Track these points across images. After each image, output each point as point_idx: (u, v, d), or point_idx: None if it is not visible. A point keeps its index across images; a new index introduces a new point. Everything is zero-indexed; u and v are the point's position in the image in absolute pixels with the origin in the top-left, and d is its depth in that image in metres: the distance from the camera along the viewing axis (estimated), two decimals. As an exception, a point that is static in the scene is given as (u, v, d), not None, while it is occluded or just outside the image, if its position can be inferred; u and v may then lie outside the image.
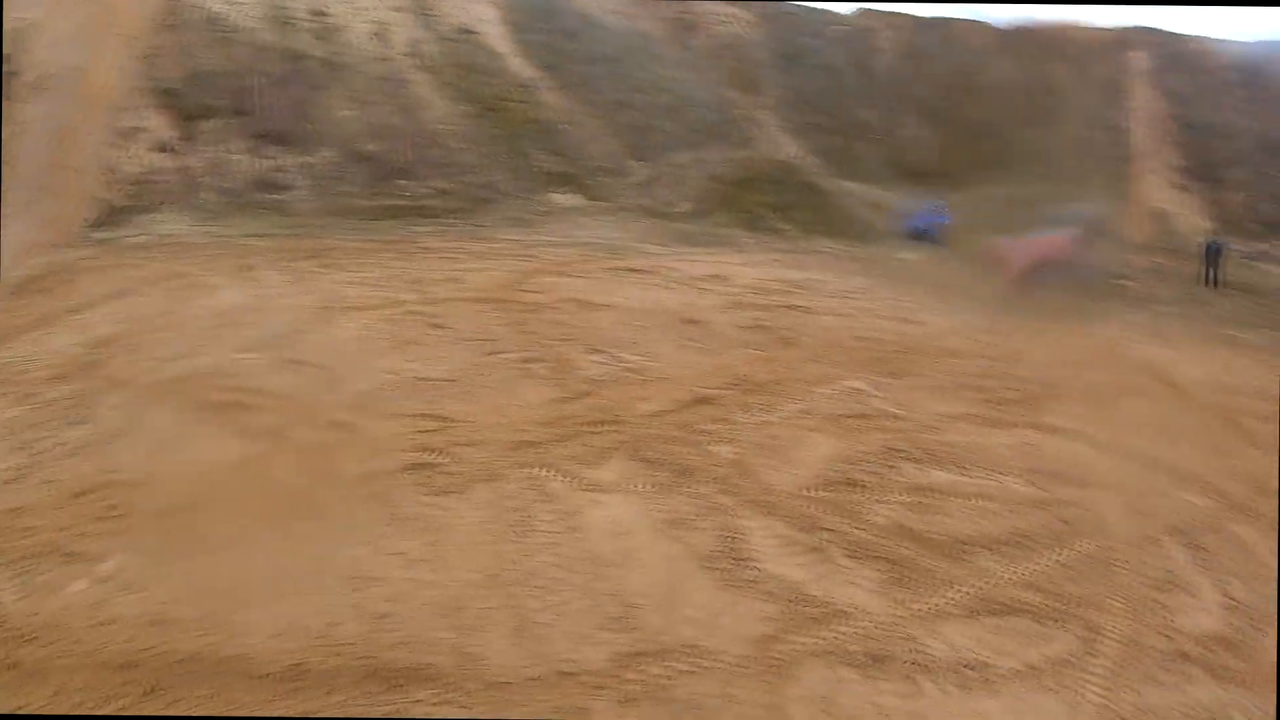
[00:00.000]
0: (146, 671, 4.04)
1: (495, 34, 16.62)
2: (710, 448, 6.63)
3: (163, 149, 13.78)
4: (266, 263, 9.90)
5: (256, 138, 13.76)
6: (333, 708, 3.99)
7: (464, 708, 4.05)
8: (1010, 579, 5.36)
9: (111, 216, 12.77)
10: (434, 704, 4.07)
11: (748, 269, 11.57)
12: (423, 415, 6.87)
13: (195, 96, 14.02)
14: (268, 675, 4.04)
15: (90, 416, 6.61)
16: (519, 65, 16.24)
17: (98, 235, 12.30)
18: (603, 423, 6.92)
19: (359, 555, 5.07)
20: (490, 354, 8.15)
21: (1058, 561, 5.60)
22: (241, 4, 15.51)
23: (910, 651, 4.62)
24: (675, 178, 15.11)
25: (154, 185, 13.25)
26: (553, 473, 6.12)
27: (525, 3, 17.81)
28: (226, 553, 4.88)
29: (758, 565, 5.25)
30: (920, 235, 14.79)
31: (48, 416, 6.64)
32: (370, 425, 6.63)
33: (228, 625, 4.28)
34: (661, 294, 10.41)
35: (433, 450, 6.27)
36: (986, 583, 5.28)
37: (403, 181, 13.37)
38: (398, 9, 16.27)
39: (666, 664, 4.38)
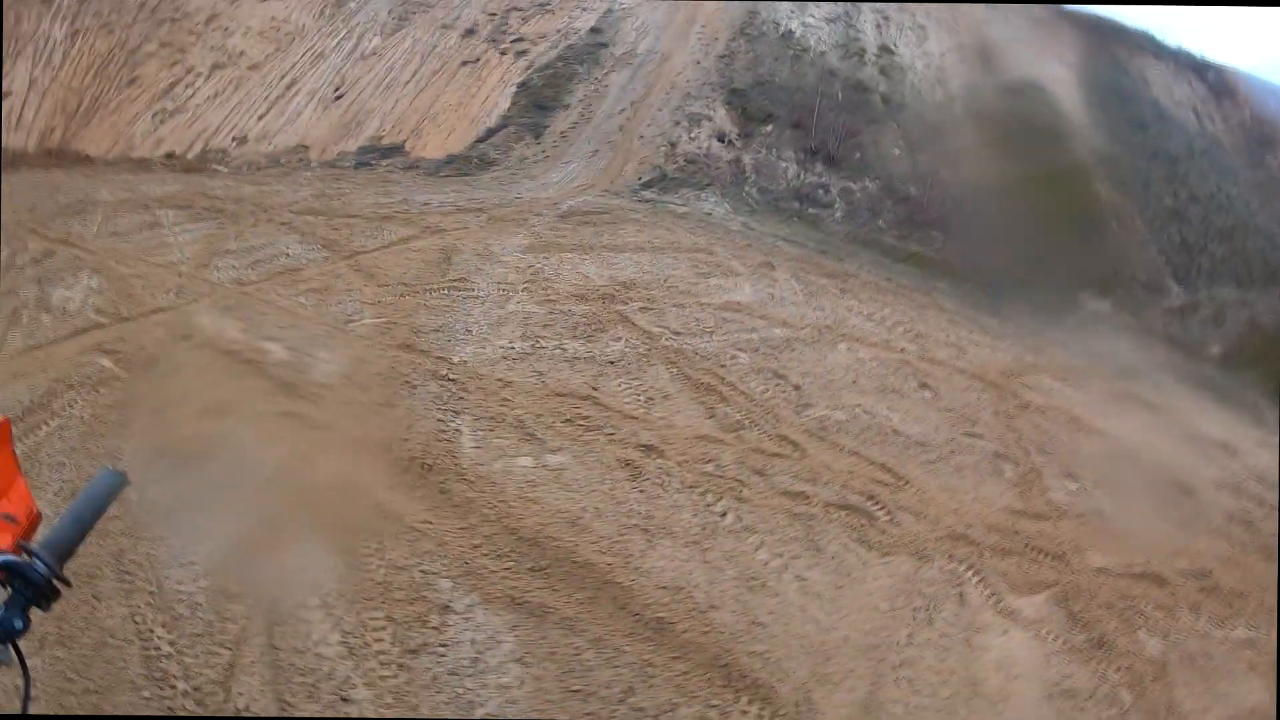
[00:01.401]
0: (545, 553, 4.52)
1: (1065, 96, 15.64)
2: (1139, 634, 5.79)
3: (721, 139, 15.12)
4: (787, 269, 10.25)
5: (807, 152, 14.46)
6: (674, 672, 4.19)
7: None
8: None
9: (662, 182, 14.34)
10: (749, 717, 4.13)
11: (1263, 449, 9.72)
12: (880, 465, 6.76)
13: (759, 101, 15.08)
14: (638, 616, 4.30)
15: (594, 338, 7.36)
16: (1081, 137, 15.06)
17: (646, 194, 13.88)
18: (1048, 553, 6.34)
19: (767, 561, 5.21)
20: (967, 434, 7.76)
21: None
22: (817, 29, 16.43)
23: None
24: (1214, 313, 13.10)
25: (706, 167, 14.55)
26: (977, 579, 5.77)
27: (1101, 77, 16.33)
28: (654, 494, 5.30)
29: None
30: None
31: (560, 323, 7.58)
32: (822, 453, 6.71)
33: (630, 558, 4.60)
34: (1161, 440, 9.15)
35: (875, 502, 6.19)
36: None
37: (935, 233, 13.23)
38: (962, 56, 16.03)
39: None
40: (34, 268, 9.21)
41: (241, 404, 5.72)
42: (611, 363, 6.91)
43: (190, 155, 16.24)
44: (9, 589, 1.28)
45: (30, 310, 8.04)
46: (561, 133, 15.70)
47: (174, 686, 3.72)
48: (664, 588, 4.43)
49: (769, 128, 14.82)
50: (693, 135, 14.99)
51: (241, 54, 18.51)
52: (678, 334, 7.66)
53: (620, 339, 7.36)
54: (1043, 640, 5.41)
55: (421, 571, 4.29)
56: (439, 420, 5.77)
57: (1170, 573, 6.60)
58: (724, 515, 5.44)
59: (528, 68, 16.76)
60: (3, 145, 16.82)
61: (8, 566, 1.27)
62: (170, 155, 16.21)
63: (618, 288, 8.60)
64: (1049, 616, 5.63)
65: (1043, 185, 13.92)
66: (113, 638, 3.92)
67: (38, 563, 1.28)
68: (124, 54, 18.93)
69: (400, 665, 3.77)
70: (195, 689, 3.70)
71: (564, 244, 10.10)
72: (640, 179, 14.21)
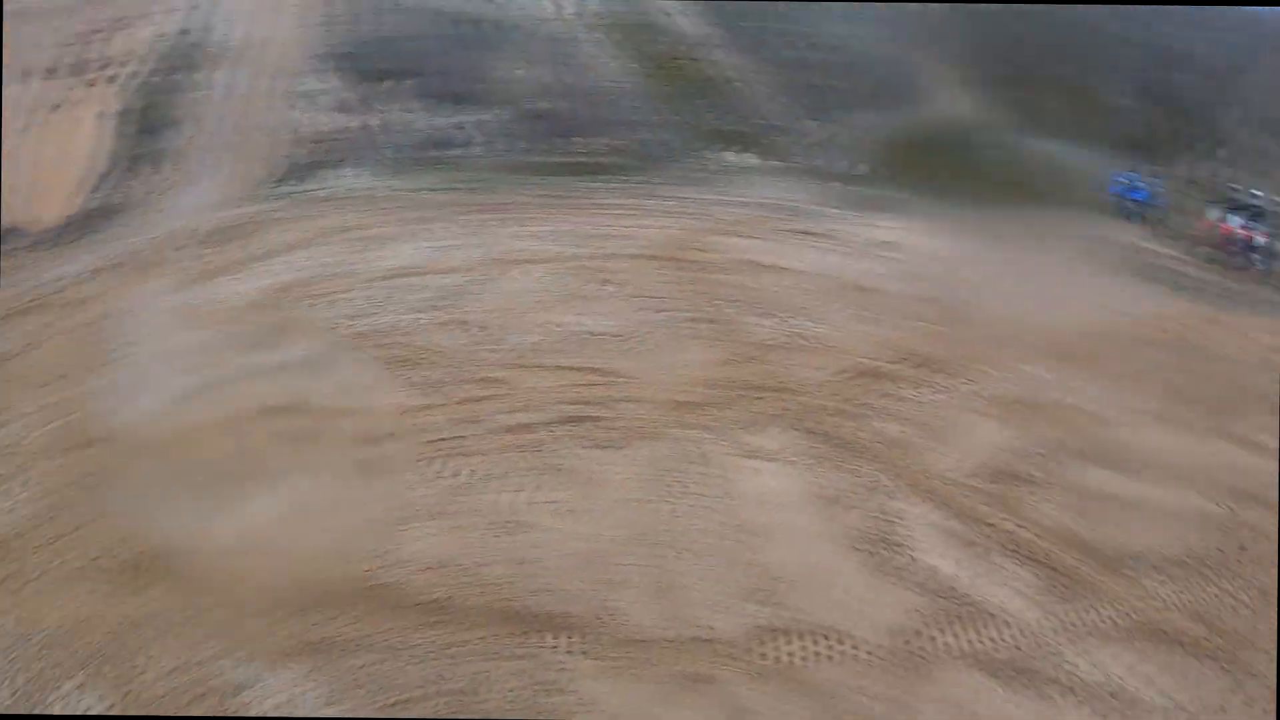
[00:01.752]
0: (305, 595, 4.39)
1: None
2: (875, 423, 6.38)
3: (342, 109, 14.58)
4: (442, 217, 10.22)
5: (432, 97, 14.24)
6: (473, 643, 4.19)
7: (596, 659, 4.12)
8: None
9: (297, 172, 13.65)
10: (567, 652, 4.21)
11: (926, 238, 10.95)
12: (587, 370, 6.95)
13: (371, 60, 14.69)
14: (419, 605, 4.29)
15: (276, 348, 7.07)
16: (689, 23, 15.97)
17: (284, 189, 13.16)
18: (767, 389, 6.81)
19: (514, 501, 5.25)
20: (658, 311, 8.08)
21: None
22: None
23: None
24: (852, 139, 14.46)
25: (335, 143, 13.99)
26: (712, 436, 6.09)
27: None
28: (388, 482, 5.12)
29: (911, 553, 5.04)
30: (1127, 209, 13.28)
31: (236, 343, 7.20)
32: (528, 379, 6.76)
33: (387, 555, 4.47)
34: (834, 259, 10.02)
35: (594, 404, 6.34)
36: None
37: (576, 139, 13.48)
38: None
39: (803, 644, 4.31)
40: None
41: None
42: (301, 366, 6.72)
43: None
44: None
45: None
46: (178, 152, 14.44)
47: None
48: (429, 569, 4.40)
49: (388, 83, 14.45)
50: (313, 114, 14.33)
51: None
52: (353, 318, 7.59)
53: (301, 342, 7.13)
54: (792, 464, 5.83)
55: (197, 664, 4.13)
56: (138, 503, 5.34)
57: (882, 364, 7.31)
58: (457, 475, 5.51)
59: (122, 92, 15.15)
60: None
61: None
62: None
63: (281, 292, 8.39)
64: (789, 443, 6.07)
65: (662, 71, 14.63)
66: None
67: None
68: None
69: None
70: None
71: (214, 268, 9.58)
72: (273, 176, 13.47)
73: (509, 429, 6.05)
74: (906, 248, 10.61)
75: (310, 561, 4.55)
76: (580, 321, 7.77)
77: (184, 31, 15.98)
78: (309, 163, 13.58)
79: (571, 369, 6.90)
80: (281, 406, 6.02)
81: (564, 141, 13.46)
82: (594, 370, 6.91)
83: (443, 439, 5.90)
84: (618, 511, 5.18)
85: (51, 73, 16.00)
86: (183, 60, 15.94)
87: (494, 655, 4.20)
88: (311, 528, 4.81)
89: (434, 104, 14.01)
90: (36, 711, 4.04)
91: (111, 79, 15.41)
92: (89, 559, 5.08)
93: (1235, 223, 10.89)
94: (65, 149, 14.35)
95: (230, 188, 13.19)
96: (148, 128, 14.72)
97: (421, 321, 7.44)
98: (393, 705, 3.99)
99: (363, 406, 5.99)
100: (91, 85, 15.40)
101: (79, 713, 4.03)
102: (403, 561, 4.49)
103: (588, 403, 6.40)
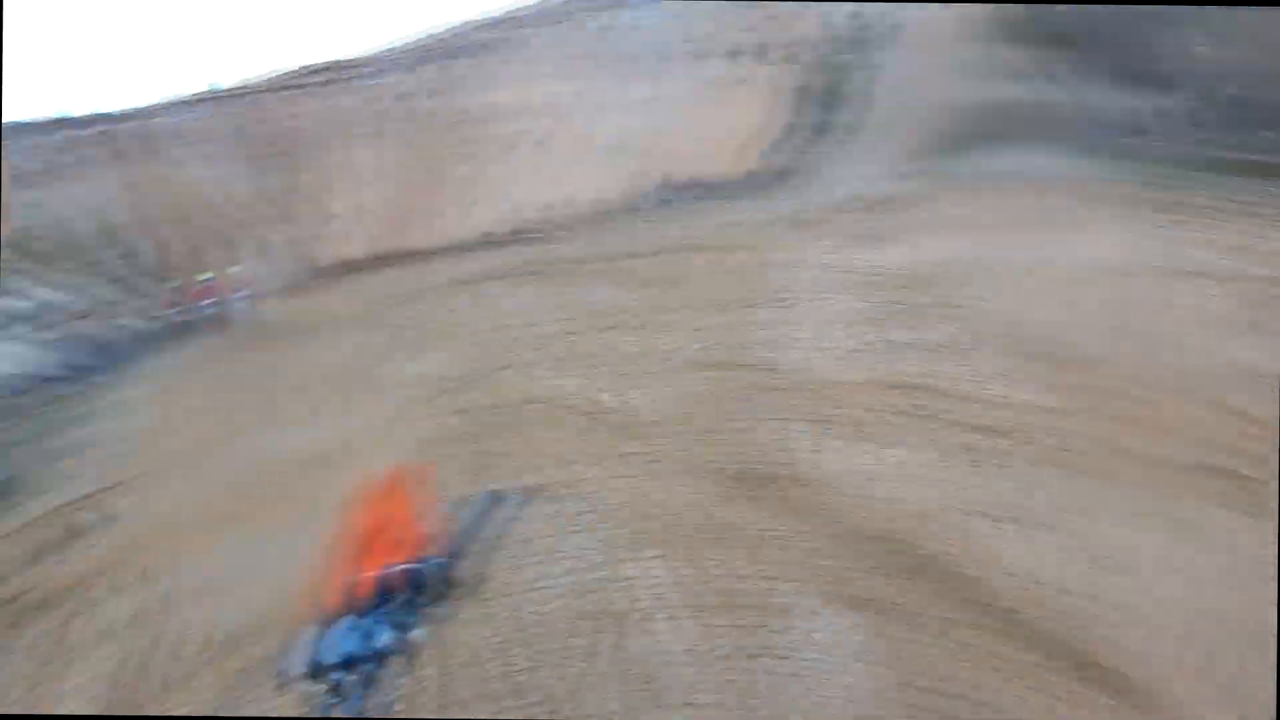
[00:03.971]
0: (887, 549, 4.37)
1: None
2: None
3: (1005, 84, 13.88)
4: (1111, 211, 9.17)
5: (1104, 75, 12.87)
6: (1018, 663, 3.87)
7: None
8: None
9: (959, 149, 13.43)
10: (1101, 710, 3.75)
11: None
12: (1245, 415, 5.67)
13: (1041, 30, 13.91)
14: (986, 606, 3.98)
15: (919, 327, 7.06)
16: None
17: (945, 166, 13.07)
18: None
19: (1125, 538, 4.59)
20: None
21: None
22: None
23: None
24: None
25: (1001, 120, 13.48)
26: None
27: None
28: (997, 477, 4.85)
29: None
30: None
31: (883, 316, 7.36)
32: (1179, 410, 5.77)
33: (975, 547, 4.26)
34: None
35: (1246, 458, 5.22)
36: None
37: (1268, 133, 11.04)
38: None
39: None
40: (385, 349, 10.50)
41: (584, 451, 6.08)
42: (940, 348, 6.59)
43: (504, 231, 17.85)
44: (413, 593, 1.77)
45: (392, 386, 9.06)
46: (847, 125, 15.32)
47: (526, 698, 3.90)
48: (1011, 575, 4.12)
49: (1054, 58, 13.60)
50: (975, 90, 14.03)
51: (527, 133, 20.17)
52: (997, 307, 7.16)
53: (946, 322, 6.99)
54: None
55: (764, 578, 4.31)
56: (772, 429, 5.78)
57: None
58: (1070, 490, 4.93)
59: (799, 70, 16.62)
60: (337, 257, 19.91)
61: (410, 573, 1.70)
62: (487, 235, 17.93)
63: (935, 270, 8.19)
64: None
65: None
66: (476, 657, 4.10)
67: (429, 569, 1.55)
68: (427, 160, 21.43)
69: (744, 670, 3.79)
70: (549, 698, 3.88)
71: (870, 235, 9.84)
72: (936, 151, 13.50)
73: (1142, 460, 5.23)
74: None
75: (899, 522, 4.49)
76: (1254, 359, 6.35)
77: (855, 15, 16.93)
78: (971, 138, 13.39)
79: (1234, 412, 5.68)
80: (912, 383, 6.05)
81: (1255, 136, 11.18)
82: (1252, 420, 5.60)
83: (1064, 449, 5.35)
84: (1239, 592, 4.14)
85: (734, 54, 18.23)
86: (854, 40, 16.91)
87: (1033, 685, 3.82)
88: (907, 493, 4.75)
89: (1105, 83, 12.82)
90: None
91: (789, 59, 16.99)
92: (706, 460, 5.60)
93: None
94: (747, 116, 16.22)
95: (894, 161, 13.62)
96: (820, 102, 15.96)
97: (1072, 321, 6.79)
98: (920, 689, 3.80)
99: (990, 396, 5.70)
100: (773, 64, 17.16)
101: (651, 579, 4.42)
102: (984, 558, 4.16)
103: (1239, 454, 5.25)
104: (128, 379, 13.43)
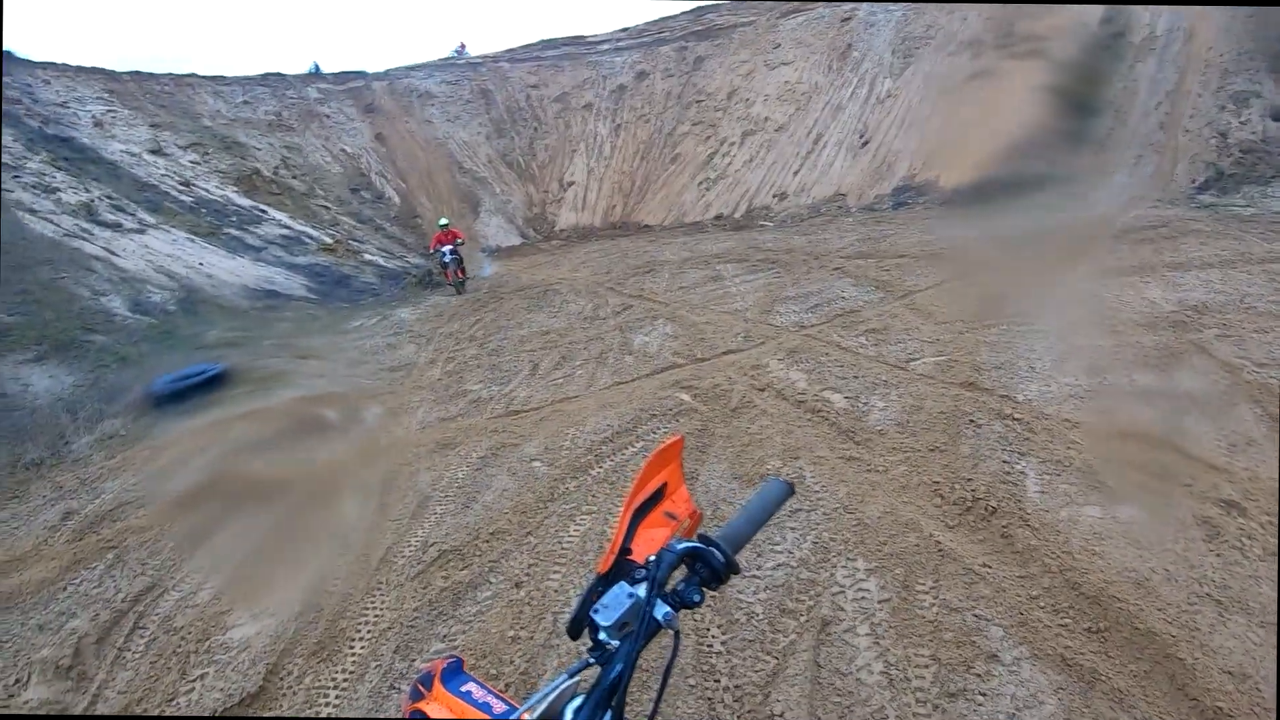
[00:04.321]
0: (1105, 614, 4.04)
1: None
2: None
3: (1276, 118, 12.70)
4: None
5: None
6: None
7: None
8: None
9: (1219, 182, 12.49)
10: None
11: None
12: None
13: None
14: (1195, 701, 3.61)
15: (1167, 372, 6.67)
16: None
17: (1204, 198, 12.21)
18: None
19: None
20: None
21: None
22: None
23: None
24: None
25: (1266, 155, 12.40)
26: None
27: None
28: (1232, 559, 4.55)
29: None
30: None
31: (1128, 356, 6.99)
32: None
33: (1198, 632, 3.93)
34: None
35: None
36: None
37: None
38: None
39: None
40: (615, 318, 10.92)
41: (808, 449, 6.15)
42: (1186, 401, 6.14)
43: (737, 215, 18.09)
44: (689, 570, 1.57)
45: (615, 353, 9.47)
46: (1098, 141, 14.51)
47: (718, 681, 3.95)
48: (1229, 673, 3.69)
49: None
50: (1243, 119, 12.97)
51: (766, 119, 20.21)
52: (1262, 366, 6.58)
53: (1196, 373, 6.53)
54: None
55: (974, 615, 4.13)
56: (1003, 461, 5.58)
57: None
58: None
59: (1047, 69, 15.79)
60: (572, 223, 20.62)
61: (693, 552, 1.56)
62: (719, 217, 18.28)
63: (1188, 313, 7.72)
64: None
65: None
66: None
67: (715, 551, 1.55)
68: (662, 137, 21.85)
69: (936, 706, 3.63)
70: (736, 687, 3.90)
71: (1123, 266, 9.45)
72: (1194, 181, 12.68)
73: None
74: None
75: (1120, 588, 4.25)
76: None
77: (1106, 20, 15.87)
78: (1235, 174, 12.46)
79: None
80: (1154, 437, 5.65)
81: None
82: None
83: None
84: None
85: (976, 45, 17.37)
86: (1106, 48, 15.82)
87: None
88: (1133, 557, 4.50)
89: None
90: None
91: (1034, 53, 16.03)
92: (930, 480, 5.47)
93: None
94: (988, 116, 15.50)
95: (1148, 185, 12.85)
96: (1068, 110, 15.09)
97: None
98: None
99: (1238, 468, 5.30)
100: (1017, 58, 16.26)
101: None
102: (1211, 648, 3.82)
103: None
104: (364, 308, 14.86)
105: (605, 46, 24.74)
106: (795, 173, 18.23)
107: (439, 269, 16.80)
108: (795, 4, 22.03)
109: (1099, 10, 16.30)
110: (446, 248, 16.55)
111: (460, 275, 16.71)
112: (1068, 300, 8.48)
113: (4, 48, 19.20)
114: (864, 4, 20.74)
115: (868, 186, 16.18)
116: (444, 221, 17.11)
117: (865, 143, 17.54)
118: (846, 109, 18.91)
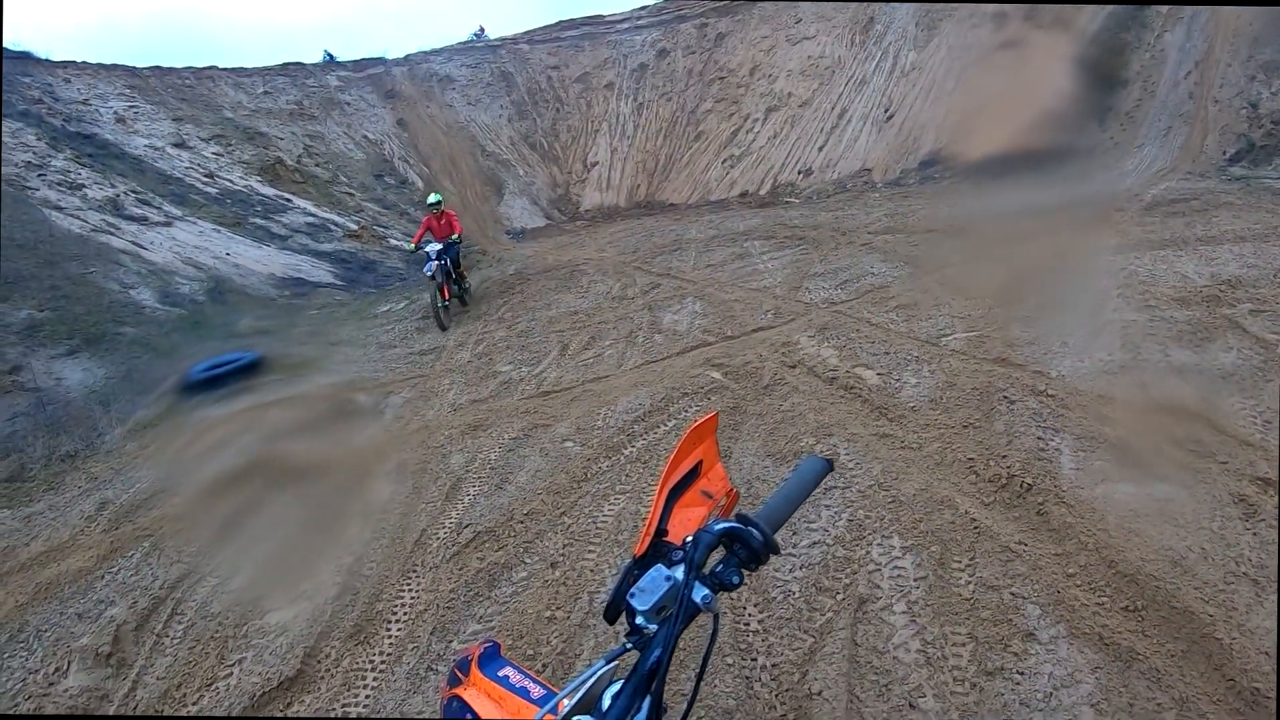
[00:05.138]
0: (1141, 592, 4.05)
1: None
2: None
3: None
4: None
5: None
6: None
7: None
8: None
9: (1250, 154, 12.29)
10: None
11: None
12: None
13: None
14: (1232, 682, 3.58)
15: (1202, 348, 6.59)
16: None
17: (1235, 170, 12.02)
18: None
19: None
20: None
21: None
22: None
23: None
24: None
25: None
26: None
27: None
28: (1269, 539, 4.49)
29: None
30: None
31: (1162, 331, 6.91)
32: None
33: (1235, 612, 3.88)
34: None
35: None
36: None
37: None
38: None
39: None
40: (643, 297, 10.93)
41: (841, 426, 6.14)
42: (1223, 377, 6.04)
43: (762, 192, 18.01)
44: (727, 551, 1.54)
45: (644, 332, 9.49)
46: (1126, 112, 14.29)
47: (755, 660, 3.97)
48: (1266, 654, 3.66)
49: None
50: (1274, 89, 12.71)
51: (789, 95, 20.06)
52: None
53: (1231, 349, 6.42)
54: None
55: (1012, 594, 4.12)
56: (1038, 438, 5.55)
57: None
58: None
59: (1075, 40, 15.49)
60: (596, 203, 20.60)
61: (731, 532, 1.52)
62: (744, 194, 18.21)
63: (1221, 287, 7.59)
64: None
65: None
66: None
67: (755, 531, 1.51)
68: (685, 115, 21.75)
69: (974, 684, 3.62)
70: (774, 665, 3.92)
71: (1154, 240, 9.27)
72: (1224, 153, 12.46)
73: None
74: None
75: (1156, 566, 4.20)
76: None
77: None
78: (1266, 145, 12.24)
79: None
80: (1190, 411, 5.61)
81: None
82: None
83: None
84: None
85: (1000, 17, 17.08)
86: (1133, 19, 15.63)
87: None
88: (1170, 535, 4.47)
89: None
90: None
91: (1062, 25, 15.74)
92: (964, 456, 5.44)
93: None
94: (1014, 89, 15.22)
95: (1178, 157, 12.66)
96: (1096, 82, 14.89)
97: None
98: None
99: (1266, 443, 5.23)
100: (1042, 28, 15.99)
101: None
102: (1248, 628, 3.69)
103: None
104: (391, 293, 14.91)
105: (625, 25, 24.59)
106: (820, 148, 18.10)
107: (427, 281, 12.34)
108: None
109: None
110: (433, 248, 12.19)
111: (458, 283, 12.81)
112: (1099, 274, 8.39)
113: (24, 49, 19.52)
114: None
115: (894, 161, 16.03)
116: (434, 199, 13.27)
117: (890, 116, 17.37)
118: (870, 83, 18.72)
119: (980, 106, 15.28)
